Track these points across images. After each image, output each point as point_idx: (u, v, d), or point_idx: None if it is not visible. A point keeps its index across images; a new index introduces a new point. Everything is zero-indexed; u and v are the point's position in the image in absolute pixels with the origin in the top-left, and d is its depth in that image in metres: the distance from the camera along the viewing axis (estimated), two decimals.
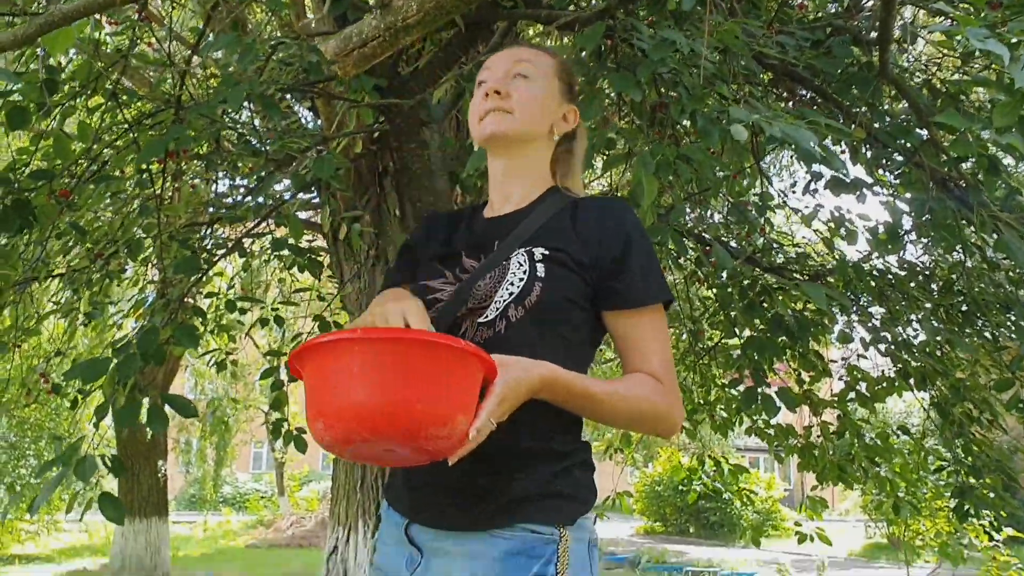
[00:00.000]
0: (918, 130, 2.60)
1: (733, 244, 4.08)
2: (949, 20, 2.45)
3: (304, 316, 4.70)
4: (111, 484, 14.86)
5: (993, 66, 2.75)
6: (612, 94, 2.90)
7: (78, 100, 3.05)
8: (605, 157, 2.96)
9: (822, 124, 2.14)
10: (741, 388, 3.92)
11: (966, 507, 3.95)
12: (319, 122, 3.79)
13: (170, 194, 3.63)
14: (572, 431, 1.43)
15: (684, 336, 4.88)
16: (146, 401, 2.45)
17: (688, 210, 4.27)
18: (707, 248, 3.94)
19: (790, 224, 5.24)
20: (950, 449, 3.99)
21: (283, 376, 3.38)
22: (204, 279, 3.44)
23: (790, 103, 3.35)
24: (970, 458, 3.90)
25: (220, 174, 3.67)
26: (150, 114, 3.19)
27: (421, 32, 0.94)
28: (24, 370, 4.58)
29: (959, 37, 2.72)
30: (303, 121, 4.28)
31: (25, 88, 2.56)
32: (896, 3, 2.09)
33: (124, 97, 2.98)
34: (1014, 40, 2.02)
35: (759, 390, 3.33)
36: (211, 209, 3.75)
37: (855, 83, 2.44)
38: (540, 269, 1.42)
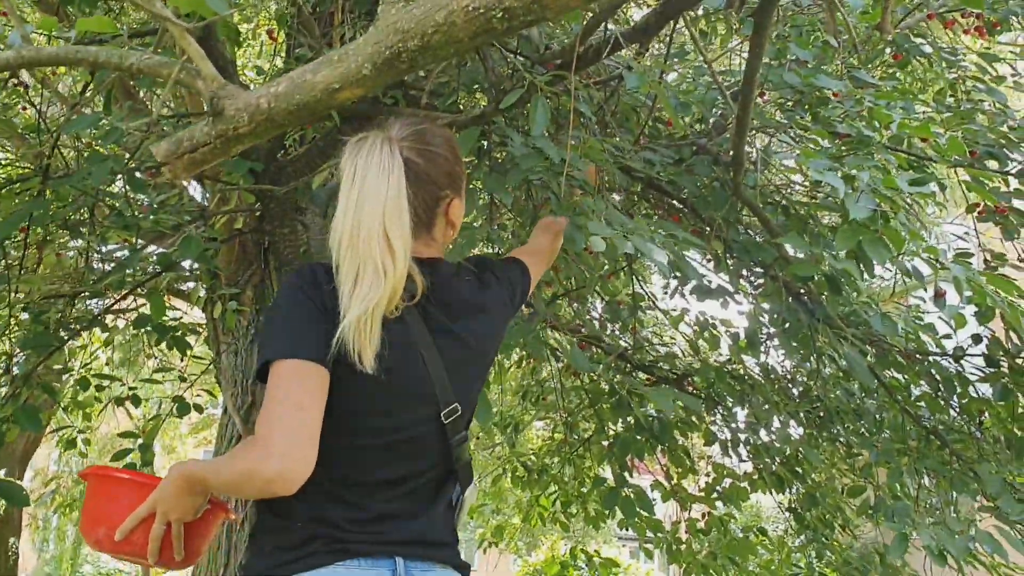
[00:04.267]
0: (770, 247, 2.75)
1: (608, 341, 4.17)
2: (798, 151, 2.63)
3: (166, 397, 4.51)
4: None
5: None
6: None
7: None
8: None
9: (680, 238, 2.25)
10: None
11: None
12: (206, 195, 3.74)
13: (34, 264, 3.51)
14: (272, 509, 1.40)
15: (557, 427, 4.92)
16: None
17: (566, 304, 4.36)
18: (582, 343, 4.02)
19: (659, 325, 5.38)
20: (804, 553, 4.08)
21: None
22: (60, 353, 3.30)
23: (659, 211, 3.50)
24: (824, 564, 4.00)
25: (91, 244, 3.55)
26: (17, 180, 3.10)
27: (253, 142, 0.97)
28: None
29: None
30: (190, 193, 4.22)
31: None
32: (747, 130, 2.23)
33: None
34: (852, 173, 2.18)
35: (623, 489, 3.37)
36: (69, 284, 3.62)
37: (712, 199, 2.57)
38: None
